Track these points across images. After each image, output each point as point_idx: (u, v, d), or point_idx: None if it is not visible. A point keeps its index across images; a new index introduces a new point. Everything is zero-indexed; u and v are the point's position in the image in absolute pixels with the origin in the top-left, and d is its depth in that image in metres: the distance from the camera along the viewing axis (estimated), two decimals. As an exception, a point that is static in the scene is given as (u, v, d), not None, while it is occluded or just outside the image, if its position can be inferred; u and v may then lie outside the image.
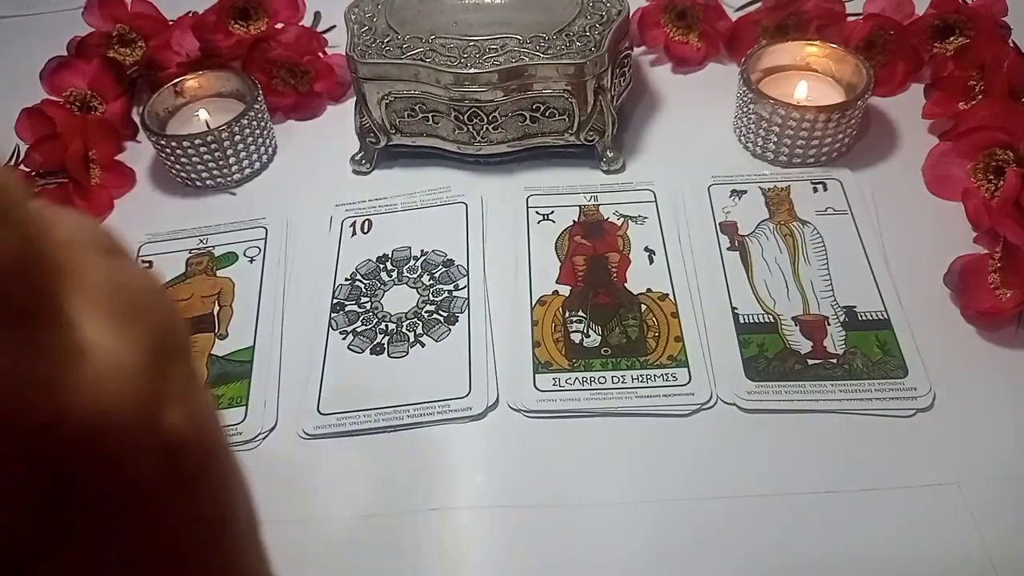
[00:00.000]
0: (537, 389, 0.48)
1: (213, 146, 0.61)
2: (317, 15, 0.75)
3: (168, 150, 0.61)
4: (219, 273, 0.57)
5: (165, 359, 0.17)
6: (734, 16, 0.69)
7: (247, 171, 0.64)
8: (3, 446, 0.14)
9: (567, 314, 0.52)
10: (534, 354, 0.50)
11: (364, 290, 0.55)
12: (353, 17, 0.61)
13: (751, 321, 0.50)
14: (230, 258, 0.58)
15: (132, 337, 0.16)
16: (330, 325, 0.53)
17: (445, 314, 0.53)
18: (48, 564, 0.15)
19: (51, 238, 0.16)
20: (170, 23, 0.72)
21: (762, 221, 0.56)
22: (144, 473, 0.16)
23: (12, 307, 0.14)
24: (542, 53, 0.56)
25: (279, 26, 0.70)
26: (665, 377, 0.48)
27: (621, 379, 0.48)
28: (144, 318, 0.17)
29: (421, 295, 0.54)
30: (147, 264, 0.58)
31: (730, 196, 0.58)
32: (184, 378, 0.18)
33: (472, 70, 0.56)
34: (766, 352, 0.48)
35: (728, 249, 0.54)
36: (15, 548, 0.15)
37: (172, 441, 0.17)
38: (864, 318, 0.50)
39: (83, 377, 0.15)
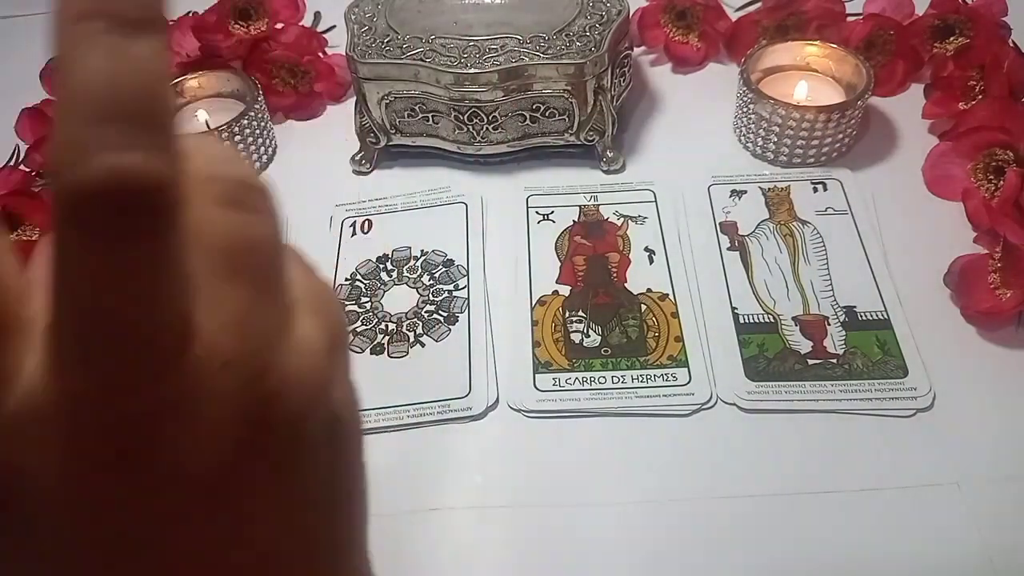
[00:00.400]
0: (537, 389, 0.48)
1: (213, 146, 0.61)
2: (317, 15, 0.75)
3: (168, 150, 0.61)
4: (219, 273, 0.57)
5: (336, 348, 0.20)
6: (734, 16, 0.69)
7: (247, 171, 0.64)
8: (224, 382, 0.16)
9: (567, 314, 0.52)
10: (534, 354, 0.50)
11: (364, 290, 0.55)
12: (353, 17, 0.61)
13: (751, 321, 0.50)
14: (230, 258, 0.58)
15: (318, 324, 0.19)
16: (330, 325, 0.53)
17: (445, 314, 0.53)
18: (239, 497, 0.17)
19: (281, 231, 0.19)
20: (170, 23, 0.72)
21: (762, 221, 0.56)
22: (314, 435, 0.19)
23: (264, 272, 0.17)
24: (542, 53, 0.56)
25: (279, 26, 0.70)
26: (665, 377, 0.48)
27: (621, 379, 0.48)
28: (326, 312, 0.20)
29: (421, 295, 0.54)
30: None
31: (730, 196, 0.58)
32: (345, 366, 0.21)
33: (472, 70, 0.56)
34: (766, 352, 0.48)
35: (728, 249, 0.54)
36: (212, 480, 0.17)
37: (334, 415, 0.19)
38: (864, 318, 0.50)
39: (288, 342, 0.18)
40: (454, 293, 0.54)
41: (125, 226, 0.13)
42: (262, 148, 0.64)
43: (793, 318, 0.50)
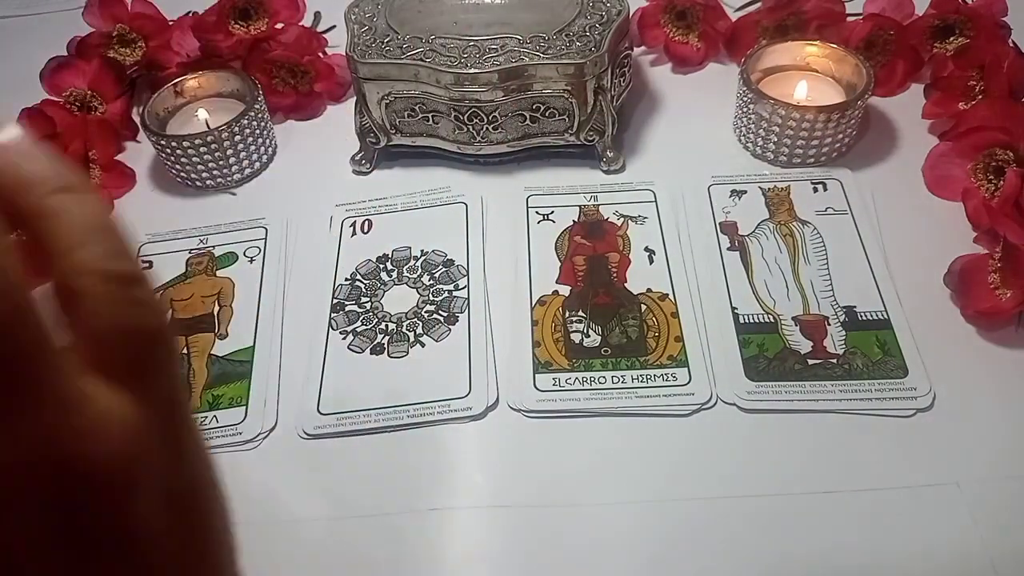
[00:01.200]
0: (537, 389, 0.48)
1: (213, 146, 0.61)
2: (317, 15, 0.75)
3: (168, 150, 0.61)
4: (219, 273, 0.57)
5: (163, 410, 0.18)
6: (734, 16, 0.69)
7: (247, 171, 0.64)
8: (18, 486, 0.15)
9: (567, 314, 0.52)
10: (534, 354, 0.50)
11: (364, 290, 0.55)
12: (353, 17, 0.61)
13: (751, 321, 0.50)
14: (230, 258, 0.58)
15: (143, 387, 0.17)
16: (330, 325, 0.53)
17: (445, 314, 0.53)
18: None
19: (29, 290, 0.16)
20: (170, 23, 0.72)
21: (762, 221, 0.56)
22: (145, 512, 0.17)
23: (8, 365, 0.15)
24: (542, 53, 0.56)
25: (279, 26, 0.70)
26: (665, 377, 0.48)
27: (621, 379, 0.48)
28: (141, 374, 0.18)
29: (421, 295, 0.54)
30: (147, 264, 0.58)
31: (730, 196, 0.58)
32: (179, 425, 0.19)
33: (472, 70, 0.56)
34: (766, 352, 0.48)
35: (728, 249, 0.54)
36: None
37: (169, 484, 0.18)
38: (864, 318, 0.50)
39: (84, 425, 0.16)
40: (454, 293, 0.54)
41: None
42: (262, 148, 0.64)
43: (793, 318, 0.50)
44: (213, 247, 0.59)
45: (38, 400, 0.15)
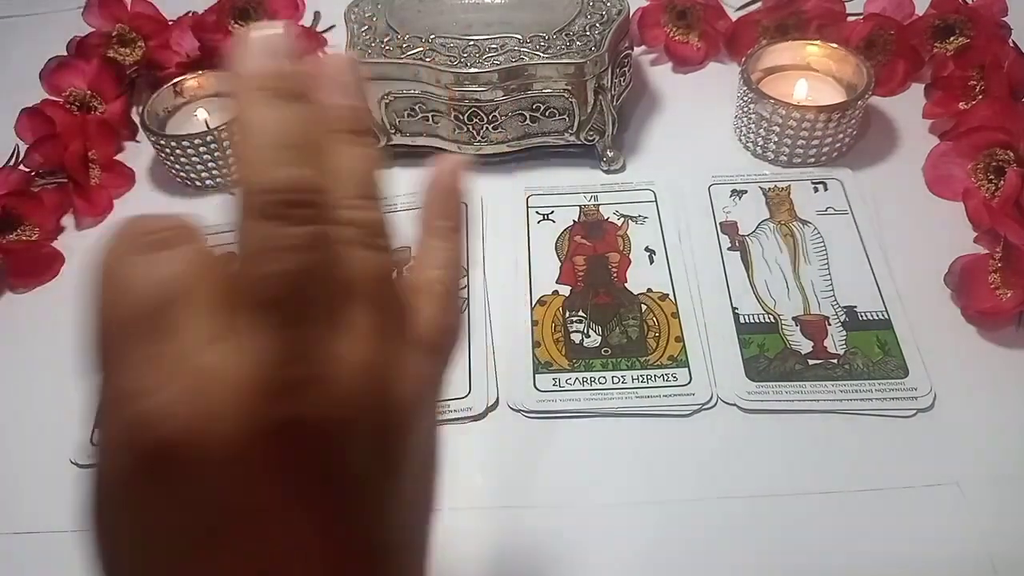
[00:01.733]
0: (537, 389, 0.48)
1: (213, 146, 0.61)
2: (317, 15, 0.75)
3: (168, 150, 0.61)
4: (219, 273, 0.57)
5: (392, 338, 0.21)
6: (734, 16, 0.69)
7: (247, 171, 0.64)
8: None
9: (567, 314, 0.52)
10: (534, 354, 0.50)
11: (364, 290, 0.55)
12: (353, 17, 0.61)
13: (751, 321, 0.50)
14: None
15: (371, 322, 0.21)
16: (330, 325, 0.53)
17: (445, 314, 0.53)
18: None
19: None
20: (170, 23, 0.72)
21: (762, 221, 0.56)
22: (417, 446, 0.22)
23: (312, 307, 0.19)
24: (542, 53, 0.56)
25: (279, 26, 0.70)
26: (665, 377, 0.48)
27: (621, 379, 0.48)
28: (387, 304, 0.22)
29: (421, 295, 0.54)
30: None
31: (730, 196, 0.58)
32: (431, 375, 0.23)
33: (472, 70, 0.56)
34: (766, 352, 0.48)
35: (728, 249, 0.54)
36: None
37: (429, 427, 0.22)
38: (864, 318, 0.50)
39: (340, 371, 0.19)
40: (454, 293, 0.54)
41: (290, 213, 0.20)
42: (262, 148, 0.64)
43: (793, 318, 0.50)
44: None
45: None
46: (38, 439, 0.49)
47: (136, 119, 0.67)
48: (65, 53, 0.70)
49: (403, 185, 0.62)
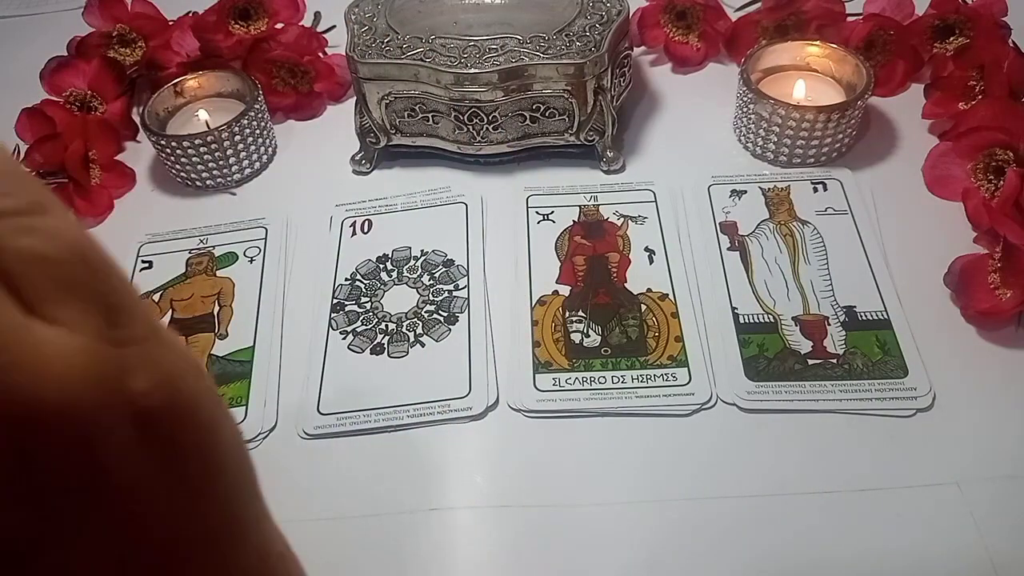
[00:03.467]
0: (537, 389, 0.48)
1: (213, 146, 0.61)
2: (317, 15, 0.75)
3: (168, 150, 0.61)
4: (219, 273, 0.57)
5: (114, 324, 0.16)
6: (734, 16, 0.69)
7: (247, 171, 0.64)
8: None
9: (567, 314, 0.52)
10: (534, 354, 0.50)
11: (364, 290, 0.55)
12: (353, 17, 0.61)
13: (751, 321, 0.50)
14: (230, 258, 0.58)
15: (70, 312, 0.15)
16: (330, 325, 0.53)
17: (445, 314, 0.53)
18: (45, 556, 0.15)
19: None
20: (170, 23, 0.72)
21: (762, 221, 0.56)
22: (121, 449, 0.16)
23: None
24: (542, 53, 0.56)
25: (279, 26, 0.70)
26: (665, 377, 0.48)
27: (621, 379, 0.48)
28: (76, 287, 0.16)
29: (421, 295, 0.54)
30: (147, 264, 0.58)
31: (730, 196, 0.58)
32: (141, 339, 0.16)
33: (472, 70, 0.56)
34: (766, 352, 0.48)
35: (728, 249, 0.54)
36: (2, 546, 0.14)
37: (143, 409, 0.16)
38: (864, 318, 0.50)
39: (24, 357, 0.14)
40: (454, 293, 0.54)
41: None
42: (262, 148, 0.64)
43: (793, 318, 0.50)
44: (213, 247, 0.59)
45: None
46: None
47: (136, 119, 0.67)
48: (65, 53, 0.70)
49: (402, 185, 0.63)
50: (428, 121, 0.60)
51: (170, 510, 0.17)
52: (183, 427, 0.17)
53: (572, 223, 0.57)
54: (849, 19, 0.65)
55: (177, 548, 0.17)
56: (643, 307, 0.52)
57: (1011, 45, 0.61)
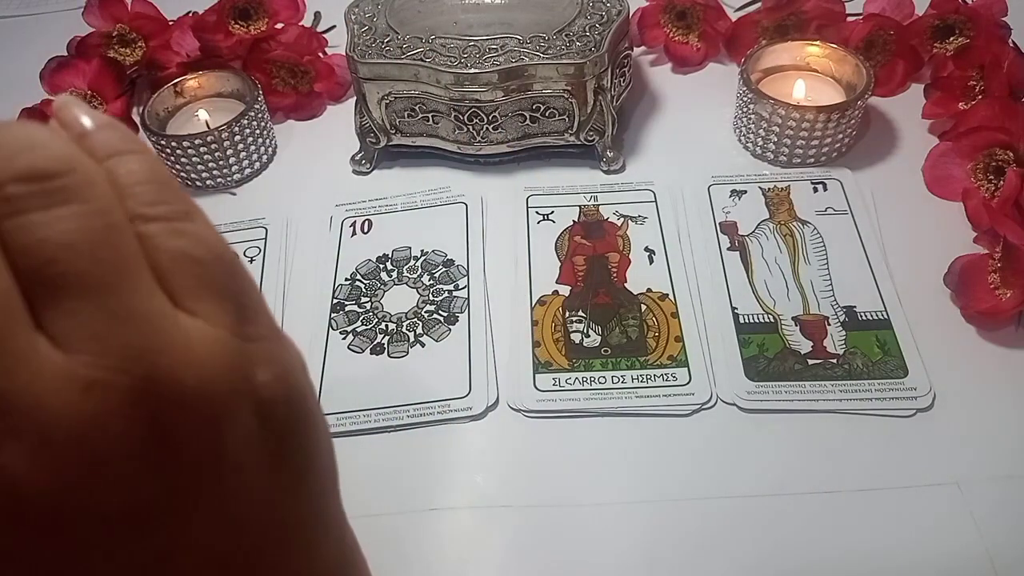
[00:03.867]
0: (537, 389, 0.48)
1: (213, 146, 0.61)
2: (317, 15, 0.75)
3: (168, 150, 0.61)
4: (219, 273, 0.57)
5: (244, 321, 0.18)
6: (734, 16, 0.69)
7: (247, 171, 0.64)
8: (103, 401, 0.15)
9: (567, 314, 0.52)
10: (534, 354, 0.50)
11: (364, 290, 0.55)
12: (353, 17, 0.61)
13: (751, 321, 0.50)
14: (230, 258, 0.58)
15: (211, 306, 0.17)
16: (330, 325, 0.53)
17: (445, 314, 0.53)
18: (166, 523, 0.17)
19: (121, 209, 0.17)
20: (170, 23, 0.72)
21: (762, 221, 0.56)
22: (243, 434, 0.17)
23: (92, 279, 0.16)
24: (542, 53, 0.56)
25: (279, 26, 0.70)
26: (665, 377, 0.48)
27: (621, 379, 0.48)
28: (216, 286, 0.18)
29: (421, 295, 0.54)
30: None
31: (730, 196, 0.58)
32: (265, 337, 0.18)
33: (472, 70, 0.56)
34: (766, 352, 0.48)
35: (728, 249, 0.54)
36: (129, 506, 0.16)
37: (264, 401, 0.18)
38: (864, 318, 0.50)
39: (172, 342, 0.16)
40: (454, 293, 0.54)
41: None
42: (262, 148, 0.64)
43: (793, 318, 0.50)
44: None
45: (118, 315, 0.16)
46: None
47: (136, 119, 0.67)
48: (65, 53, 0.70)
49: (402, 185, 0.63)
50: (428, 121, 0.60)
51: (271, 495, 0.19)
52: (294, 418, 0.19)
53: (572, 223, 0.57)
54: (849, 19, 0.65)
55: (274, 531, 0.19)
56: (643, 307, 0.52)
57: (1011, 45, 0.61)
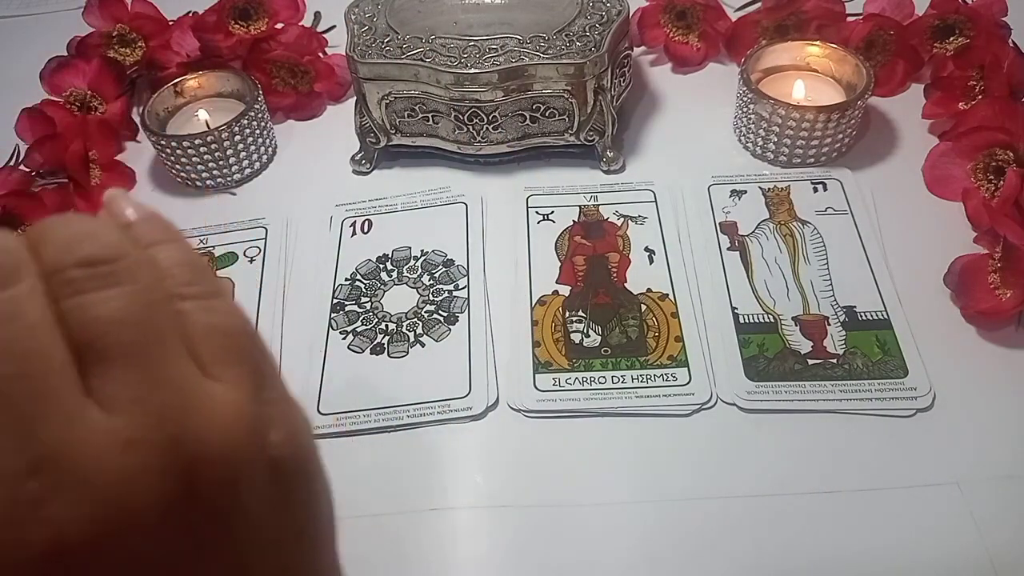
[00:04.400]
0: (537, 389, 0.48)
1: (213, 146, 0.61)
2: (317, 15, 0.75)
3: (168, 150, 0.61)
4: (219, 273, 0.57)
5: (261, 387, 0.20)
6: (734, 16, 0.69)
7: (247, 171, 0.64)
8: (141, 457, 0.17)
9: (567, 314, 0.52)
10: (534, 354, 0.50)
11: (364, 290, 0.55)
12: (353, 17, 0.61)
13: (751, 321, 0.50)
14: (230, 258, 0.58)
15: (233, 373, 0.19)
16: (330, 325, 0.53)
17: (445, 314, 0.53)
18: (190, 568, 0.18)
19: (160, 289, 0.20)
20: (170, 23, 0.72)
21: (762, 221, 0.56)
22: (256, 487, 0.19)
23: (136, 349, 0.18)
24: (542, 53, 0.56)
25: (279, 26, 0.70)
26: (665, 377, 0.48)
27: (621, 379, 0.48)
28: (239, 356, 0.20)
29: (421, 295, 0.54)
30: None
31: (730, 196, 0.58)
32: (278, 400, 0.21)
33: (472, 70, 0.56)
34: (766, 352, 0.48)
35: (728, 249, 0.54)
36: (159, 553, 0.18)
37: (275, 459, 0.20)
38: (864, 318, 0.50)
39: (201, 405, 0.18)
40: (454, 293, 0.54)
41: None
42: (262, 148, 0.64)
43: (793, 318, 0.50)
44: (213, 247, 0.59)
45: (156, 381, 0.18)
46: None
47: (136, 119, 0.67)
48: (65, 53, 0.70)
49: (402, 185, 0.63)
50: (428, 121, 0.60)
51: (275, 546, 0.20)
52: (300, 475, 0.21)
53: (572, 223, 0.57)
54: (849, 19, 0.65)
55: (278, 574, 0.20)
56: (643, 307, 0.52)
57: (1011, 45, 0.61)
